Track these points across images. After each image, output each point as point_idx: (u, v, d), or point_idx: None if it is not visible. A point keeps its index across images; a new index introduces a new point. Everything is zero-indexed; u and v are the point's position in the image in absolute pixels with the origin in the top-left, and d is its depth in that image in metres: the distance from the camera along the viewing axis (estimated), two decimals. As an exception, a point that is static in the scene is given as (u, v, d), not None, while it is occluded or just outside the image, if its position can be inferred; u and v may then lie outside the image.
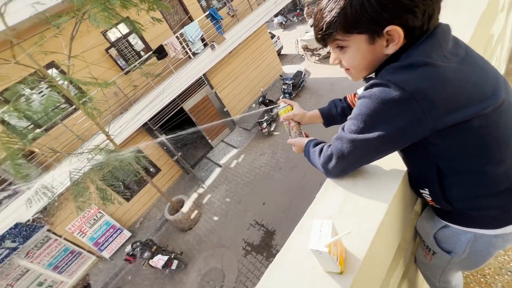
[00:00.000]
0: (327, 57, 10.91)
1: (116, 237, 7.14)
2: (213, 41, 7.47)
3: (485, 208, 0.68)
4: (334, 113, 1.06)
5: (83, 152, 4.09)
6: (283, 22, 16.93)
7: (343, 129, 0.68)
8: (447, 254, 0.82)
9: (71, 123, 5.83)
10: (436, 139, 0.59)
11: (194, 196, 7.62)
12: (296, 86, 9.12)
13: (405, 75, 0.55)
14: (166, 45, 6.74)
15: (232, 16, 8.66)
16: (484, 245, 0.73)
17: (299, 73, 9.52)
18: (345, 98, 1.05)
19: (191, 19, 7.73)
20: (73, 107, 6.08)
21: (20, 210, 5.01)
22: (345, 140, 0.65)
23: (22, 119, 5.35)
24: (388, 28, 0.56)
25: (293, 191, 6.15)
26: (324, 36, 0.65)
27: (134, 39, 7.08)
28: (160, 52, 6.76)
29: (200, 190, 7.70)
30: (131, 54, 6.91)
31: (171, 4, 6.92)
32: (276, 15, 16.75)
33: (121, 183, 4.67)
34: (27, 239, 5.59)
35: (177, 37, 6.84)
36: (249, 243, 5.62)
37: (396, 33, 0.57)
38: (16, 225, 5.16)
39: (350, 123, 0.64)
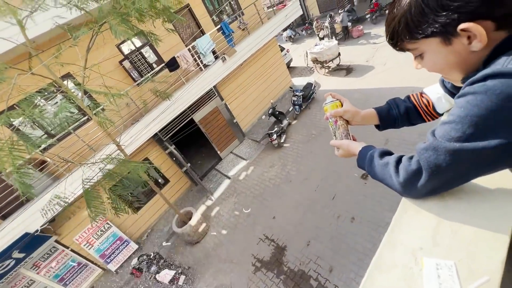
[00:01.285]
0: (336, 69, 10.91)
1: (122, 249, 7.02)
2: (224, 54, 7.56)
3: None
4: (395, 114, 0.89)
5: (95, 162, 4.06)
6: (292, 36, 17.17)
7: (433, 135, 0.54)
8: None
9: (83, 133, 5.89)
10: None
11: (202, 208, 7.48)
12: (306, 98, 9.07)
13: None
14: (178, 57, 6.84)
15: (243, 29, 8.80)
16: None
17: (309, 85, 9.49)
18: (408, 97, 0.91)
19: (203, 33, 7.88)
20: (86, 117, 6.15)
21: (29, 220, 4.98)
22: (442, 150, 0.51)
23: (35, 129, 5.44)
24: (462, 26, 0.48)
25: (305, 205, 5.94)
26: (393, 44, 0.61)
27: (147, 52, 7.24)
28: (172, 64, 6.86)
29: (209, 202, 7.56)
30: (144, 66, 7.04)
31: (184, 17, 7.08)
32: (285, 29, 17.04)
33: (130, 193, 4.60)
34: (34, 249, 5.53)
35: (189, 49, 6.95)
36: (258, 259, 5.40)
37: (475, 29, 0.48)
38: (25, 236, 5.11)
39: (449, 128, 0.51)
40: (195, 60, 7.12)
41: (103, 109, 5.60)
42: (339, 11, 13.70)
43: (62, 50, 3.69)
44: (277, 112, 8.54)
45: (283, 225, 5.79)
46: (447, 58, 0.55)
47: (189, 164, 7.48)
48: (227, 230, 6.44)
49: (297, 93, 8.89)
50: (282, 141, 8.11)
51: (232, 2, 8.82)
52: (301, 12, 9.70)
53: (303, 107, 9.11)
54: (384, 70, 9.19)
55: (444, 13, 0.48)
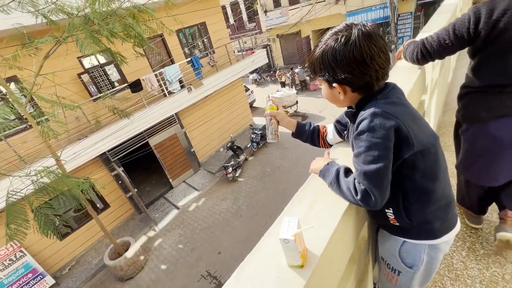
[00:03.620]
0: (293, 115, 11.94)
1: (33, 285, 5.86)
2: (190, 84, 7.83)
3: (432, 221, 0.85)
4: (306, 129, 1.22)
5: (28, 174, 3.61)
6: (257, 79, 18.56)
7: (358, 164, 0.76)
8: (410, 269, 0.92)
9: (16, 142, 5.25)
10: (410, 162, 0.77)
11: (143, 239, 6.87)
12: (264, 137, 9.59)
13: (394, 109, 0.74)
14: (143, 80, 6.86)
15: (212, 66, 9.33)
16: (435, 251, 0.90)
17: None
18: (318, 125, 1.25)
19: (172, 62, 8.14)
20: (24, 125, 5.56)
21: None
22: (369, 173, 0.73)
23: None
24: (333, 84, 0.80)
25: (252, 241, 5.92)
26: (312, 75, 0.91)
27: (110, 70, 7.11)
28: (136, 86, 6.82)
29: (151, 233, 7.00)
30: (104, 83, 6.84)
31: (156, 46, 7.29)
32: (251, 72, 18.38)
33: (58, 216, 4.10)
34: None
35: (155, 75, 7.05)
36: (197, 298, 5.04)
37: (340, 89, 0.80)
38: None
39: (364, 156, 0.74)
40: (160, 85, 7.21)
41: (47, 119, 5.16)
42: (298, 67, 15.51)
43: (16, 52, 3.50)
44: (236, 147, 8.80)
45: (228, 261, 5.63)
46: (330, 95, 0.87)
47: (135, 190, 7.02)
48: (167, 265, 5.95)
49: (256, 131, 9.40)
50: (237, 175, 8.24)
51: (205, 40, 9.45)
52: (267, 61, 10.78)
53: (260, 145, 9.57)
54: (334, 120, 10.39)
55: (328, 74, 0.79)
